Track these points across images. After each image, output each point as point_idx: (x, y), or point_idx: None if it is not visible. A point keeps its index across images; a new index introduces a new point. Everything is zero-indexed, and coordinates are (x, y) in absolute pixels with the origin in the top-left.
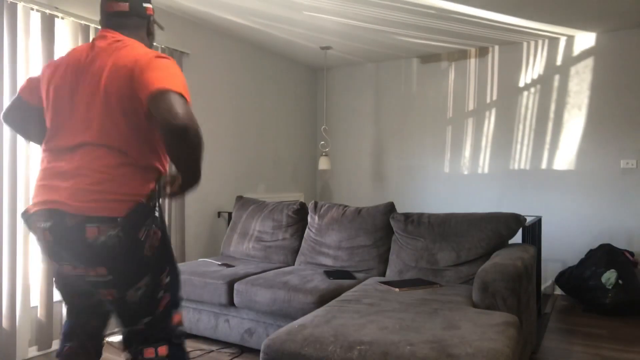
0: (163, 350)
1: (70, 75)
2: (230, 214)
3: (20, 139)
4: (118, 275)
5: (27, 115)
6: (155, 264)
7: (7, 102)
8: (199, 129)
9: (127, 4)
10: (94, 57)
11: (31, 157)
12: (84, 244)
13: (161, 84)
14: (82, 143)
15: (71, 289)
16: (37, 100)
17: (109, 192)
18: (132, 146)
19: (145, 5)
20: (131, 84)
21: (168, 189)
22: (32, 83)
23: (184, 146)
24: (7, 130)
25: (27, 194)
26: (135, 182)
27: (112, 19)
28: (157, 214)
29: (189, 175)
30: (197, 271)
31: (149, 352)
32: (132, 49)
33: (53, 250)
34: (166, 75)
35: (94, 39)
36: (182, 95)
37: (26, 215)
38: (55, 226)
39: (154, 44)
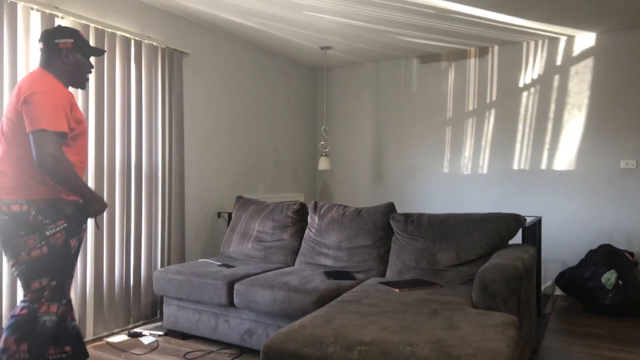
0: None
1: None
2: (230, 214)
3: None
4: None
5: None
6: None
7: (7, 102)
8: (60, 164)
9: (42, 42)
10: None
11: None
12: None
13: (36, 125)
14: None
15: None
16: None
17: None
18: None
19: (57, 41)
20: (18, 109)
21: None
22: None
23: (52, 177)
24: None
25: None
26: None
27: (40, 57)
28: (49, 230)
29: (76, 195)
30: (197, 271)
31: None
32: (27, 77)
33: None
34: (40, 114)
35: None
36: (50, 133)
37: None
38: None
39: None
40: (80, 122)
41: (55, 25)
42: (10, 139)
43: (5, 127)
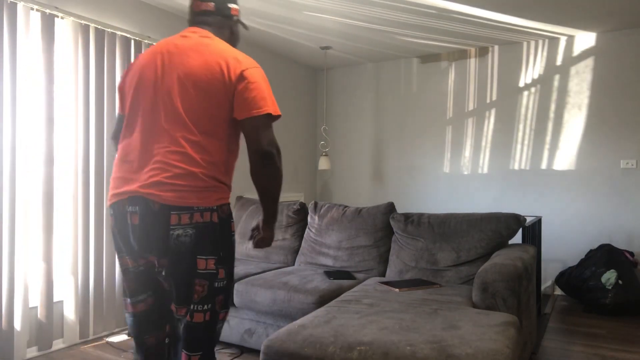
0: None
1: (158, 64)
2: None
3: (19, 140)
4: None
5: None
6: None
7: (7, 102)
8: (280, 162)
9: (213, 3)
10: (181, 51)
11: (30, 156)
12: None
13: (261, 108)
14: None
15: None
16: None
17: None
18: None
19: (230, 5)
20: (225, 89)
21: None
22: (119, 94)
23: (270, 177)
24: (7, 132)
25: (26, 194)
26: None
27: (198, 17)
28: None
29: (267, 207)
30: None
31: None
32: (221, 47)
33: None
34: (262, 95)
35: (181, 34)
36: (273, 119)
37: None
38: None
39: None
40: None
41: (55, 26)
42: (199, 125)
43: (185, 111)
